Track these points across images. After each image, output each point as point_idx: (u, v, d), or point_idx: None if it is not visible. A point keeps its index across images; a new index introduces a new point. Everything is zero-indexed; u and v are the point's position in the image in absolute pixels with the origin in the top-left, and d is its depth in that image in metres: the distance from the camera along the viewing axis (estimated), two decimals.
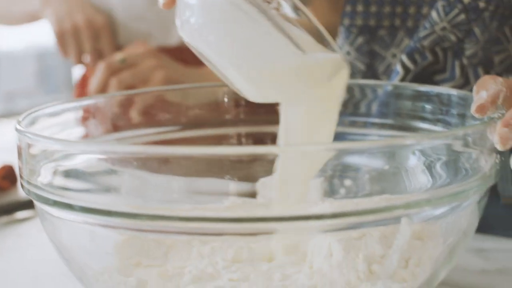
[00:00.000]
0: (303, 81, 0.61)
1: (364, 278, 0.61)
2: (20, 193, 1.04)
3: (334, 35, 1.00)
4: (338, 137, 0.70)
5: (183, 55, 1.31)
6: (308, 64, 0.61)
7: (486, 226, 0.90)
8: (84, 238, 0.62)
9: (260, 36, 0.60)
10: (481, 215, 0.64)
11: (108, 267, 0.64)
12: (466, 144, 0.58)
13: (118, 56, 1.17)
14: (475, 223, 0.63)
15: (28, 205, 0.97)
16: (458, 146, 0.58)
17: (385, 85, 0.80)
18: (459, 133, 0.58)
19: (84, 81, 1.47)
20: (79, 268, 0.63)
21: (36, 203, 0.62)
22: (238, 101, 0.80)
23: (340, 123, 0.83)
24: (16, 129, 0.61)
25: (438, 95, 0.73)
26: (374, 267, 0.62)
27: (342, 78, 0.64)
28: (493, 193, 0.91)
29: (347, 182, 0.68)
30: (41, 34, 2.57)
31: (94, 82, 1.14)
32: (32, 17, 1.46)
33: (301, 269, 0.64)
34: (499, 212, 0.92)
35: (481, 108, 0.60)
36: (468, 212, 0.62)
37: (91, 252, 0.64)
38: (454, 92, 0.72)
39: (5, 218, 0.96)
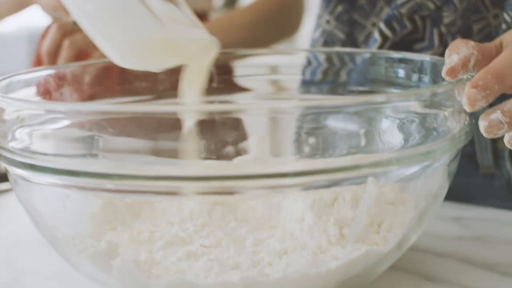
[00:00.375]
0: (167, 53, 0.63)
1: (335, 242, 0.61)
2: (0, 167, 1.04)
3: None
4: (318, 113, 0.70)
5: None
6: (171, 38, 0.63)
7: (465, 196, 0.91)
8: (58, 203, 0.62)
9: (122, 6, 0.61)
10: (451, 179, 0.64)
11: (80, 232, 0.64)
12: (434, 104, 0.58)
13: (71, 18, 1.16)
14: (445, 186, 0.64)
15: (5, 177, 0.97)
16: (426, 105, 0.58)
17: (363, 53, 0.80)
18: (426, 92, 0.58)
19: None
20: (50, 233, 0.63)
21: (8, 168, 0.62)
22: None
23: (319, 91, 0.84)
24: None
25: (411, 61, 0.73)
26: (345, 231, 0.62)
27: (208, 58, 0.66)
28: (473, 163, 0.92)
29: (317, 142, 0.68)
30: (33, 16, 2.55)
31: (46, 43, 1.13)
32: (22, 5, 1.45)
33: (273, 234, 0.64)
34: (478, 182, 0.93)
35: (452, 71, 0.60)
36: (439, 174, 0.62)
37: (63, 216, 0.64)
38: (427, 58, 0.72)
39: None
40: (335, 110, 0.56)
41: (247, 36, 1.10)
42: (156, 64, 0.65)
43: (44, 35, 1.48)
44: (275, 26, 1.18)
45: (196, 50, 0.64)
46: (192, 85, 0.65)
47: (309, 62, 0.86)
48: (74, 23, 1.13)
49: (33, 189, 0.61)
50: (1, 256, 0.76)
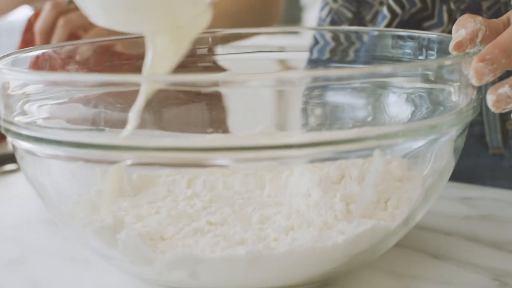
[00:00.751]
0: (159, 11, 0.58)
1: (341, 218, 0.61)
2: (7, 147, 1.05)
3: None
4: (324, 87, 0.70)
5: None
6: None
7: (474, 176, 0.91)
8: (63, 178, 0.62)
9: None
10: (458, 156, 0.64)
11: (85, 207, 0.64)
12: (441, 78, 0.58)
13: None
14: (452, 163, 0.63)
15: (14, 158, 0.98)
16: (433, 79, 0.57)
17: (370, 32, 0.80)
18: (433, 64, 0.57)
19: (30, 26, 1.46)
20: (56, 209, 0.63)
21: (15, 143, 0.62)
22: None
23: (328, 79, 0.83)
24: None
25: (418, 39, 0.73)
26: (351, 207, 0.62)
27: (202, 22, 0.61)
28: (482, 143, 0.91)
29: (323, 116, 0.68)
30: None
31: (40, 22, 1.13)
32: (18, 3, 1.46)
33: (279, 211, 0.64)
34: (487, 162, 0.92)
35: (459, 46, 0.60)
36: (445, 150, 0.61)
37: (69, 191, 0.64)
38: (434, 35, 0.71)
39: None
40: (341, 81, 0.56)
41: (231, 24, 1.10)
42: (143, 24, 0.59)
43: (27, 28, 1.49)
44: (257, 15, 1.20)
45: (190, 12, 0.59)
46: (167, 55, 0.59)
47: (316, 41, 0.86)
48: (69, 2, 1.13)
49: (40, 164, 0.61)
50: (8, 234, 0.76)
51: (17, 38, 1.59)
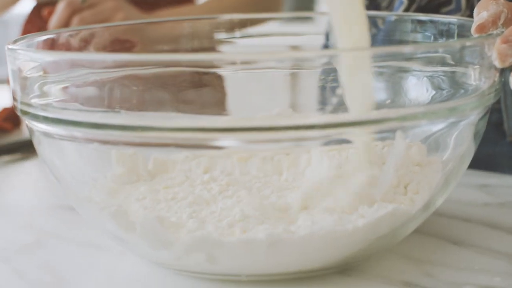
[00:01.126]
0: None
1: (360, 200, 0.60)
2: (23, 134, 1.05)
3: None
4: None
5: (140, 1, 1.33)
6: None
7: (492, 164, 0.90)
8: (80, 160, 0.62)
9: None
10: (478, 141, 0.63)
11: (102, 191, 0.64)
12: (463, 60, 0.57)
13: None
14: (472, 148, 0.62)
15: (29, 144, 0.98)
16: (454, 61, 0.56)
17: (388, 16, 0.79)
18: (455, 44, 0.56)
19: (31, 18, 1.47)
20: (72, 192, 0.63)
21: (32, 125, 0.61)
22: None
23: None
24: (9, 49, 0.60)
25: (438, 23, 0.72)
26: (372, 190, 0.61)
27: None
28: (500, 131, 0.90)
29: (342, 99, 0.67)
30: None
31: (54, 20, 1.14)
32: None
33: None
34: (505, 151, 0.92)
35: (481, 28, 0.59)
36: (466, 133, 0.60)
37: (86, 174, 0.63)
38: (454, 19, 0.70)
39: (6, 157, 0.97)
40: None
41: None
42: None
43: (28, 20, 1.49)
44: (260, 9, 1.21)
45: None
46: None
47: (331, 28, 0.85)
48: (83, 1, 1.13)
49: (57, 147, 0.60)
50: (24, 220, 0.76)
51: (15, 29, 1.60)
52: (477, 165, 0.85)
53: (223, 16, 0.79)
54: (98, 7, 1.17)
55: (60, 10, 1.14)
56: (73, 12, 1.14)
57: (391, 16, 0.78)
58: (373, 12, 0.83)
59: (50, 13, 1.20)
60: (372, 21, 0.79)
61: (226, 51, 0.76)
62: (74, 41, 0.71)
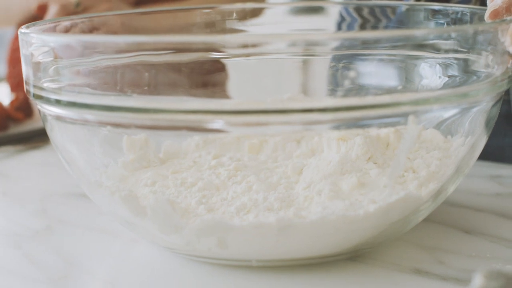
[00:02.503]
0: None
1: (370, 182, 0.60)
2: (34, 124, 1.05)
3: None
4: (352, 57, 0.69)
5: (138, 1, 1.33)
6: None
7: (503, 157, 0.89)
8: (92, 145, 0.62)
9: None
10: (490, 129, 0.62)
11: (113, 175, 0.64)
12: (475, 45, 0.56)
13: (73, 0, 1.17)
14: (483, 137, 0.62)
15: (40, 134, 0.99)
16: (467, 47, 0.56)
17: (399, 6, 0.79)
18: (469, 29, 0.56)
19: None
20: (84, 177, 0.63)
21: (45, 110, 0.61)
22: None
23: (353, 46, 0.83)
24: (21, 33, 0.60)
25: (450, 12, 0.71)
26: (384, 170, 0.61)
27: None
28: (509, 123, 0.90)
29: (352, 85, 0.67)
30: None
31: None
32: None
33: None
34: None
35: (495, 14, 0.59)
36: (478, 120, 0.60)
37: (97, 158, 0.64)
38: (466, 8, 0.70)
39: (19, 146, 0.97)
40: (372, 44, 0.55)
41: None
42: None
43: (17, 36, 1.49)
44: None
45: None
46: None
47: (342, 18, 0.85)
48: (77, 5, 1.13)
49: (69, 132, 0.61)
50: (35, 207, 0.76)
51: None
52: (487, 157, 0.85)
53: (235, 5, 0.79)
54: (92, 11, 1.17)
55: (52, 13, 1.14)
56: (66, 16, 1.14)
57: (402, 6, 0.78)
58: (383, 2, 0.82)
59: (42, 10, 1.20)
60: (382, 11, 0.79)
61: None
62: (88, 27, 0.71)
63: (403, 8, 0.78)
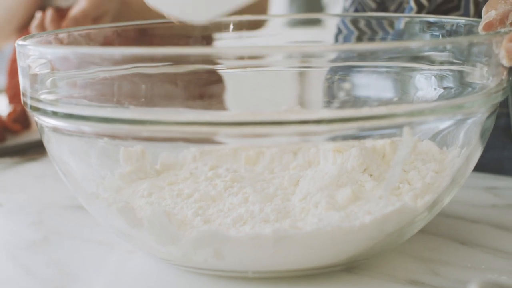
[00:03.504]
0: None
1: (365, 193, 0.60)
2: (31, 136, 1.05)
3: None
4: (348, 69, 0.69)
5: None
6: None
7: (500, 169, 0.90)
8: (89, 157, 0.62)
9: None
10: (485, 141, 0.63)
11: (110, 187, 0.64)
12: (470, 57, 0.57)
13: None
14: (478, 148, 0.62)
15: (38, 145, 0.99)
16: (462, 58, 0.57)
17: (399, 19, 0.79)
18: (463, 41, 0.57)
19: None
20: (81, 188, 0.63)
21: (42, 122, 0.61)
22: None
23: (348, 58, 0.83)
24: (19, 45, 0.61)
25: (446, 25, 0.72)
26: (380, 185, 0.61)
27: None
28: (507, 136, 0.90)
29: (348, 97, 0.68)
30: None
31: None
32: None
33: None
34: None
35: (489, 26, 0.59)
36: (473, 132, 0.60)
37: (94, 170, 0.64)
38: (462, 20, 0.71)
39: (16, 158, 0.98)
40: (367, 56, 0.55)
41: None
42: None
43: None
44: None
45: None
46: None
47: (339, 30, 0.86)
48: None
49: (66, 144, 0.61)
50: (32, 218, 0.76)
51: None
52: (485, 170, 0.85)
53: (232, 17, 0.79)
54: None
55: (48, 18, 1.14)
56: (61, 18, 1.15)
57: (400, 18, 0.78)
58: (380, 14, 0.83)
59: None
60: (379, 23, 0.79)
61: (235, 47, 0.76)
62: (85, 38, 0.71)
63: (401, 23, 0.78)
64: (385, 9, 0.91)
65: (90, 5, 1.06)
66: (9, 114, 1.08)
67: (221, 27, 0.80)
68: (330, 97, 0.71)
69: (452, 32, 0.71)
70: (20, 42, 0.61)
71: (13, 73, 1.50)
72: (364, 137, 0.58)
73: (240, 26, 0.79)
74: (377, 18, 0.79)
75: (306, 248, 0.57)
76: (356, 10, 0.94)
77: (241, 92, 0.72)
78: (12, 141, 1.03)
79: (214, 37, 0.80)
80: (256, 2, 1.26)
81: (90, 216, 0.70)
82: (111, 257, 0.66)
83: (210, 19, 0.60)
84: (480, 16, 0.80)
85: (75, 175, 0.63)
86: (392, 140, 0.63)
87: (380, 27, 0.80)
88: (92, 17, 1.06)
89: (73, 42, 0.70)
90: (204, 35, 0.80)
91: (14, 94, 1.47)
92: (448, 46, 0.56)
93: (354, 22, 0.82)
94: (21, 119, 1.07)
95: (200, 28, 0.80)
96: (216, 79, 0.67)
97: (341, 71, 0.66)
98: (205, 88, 0.65)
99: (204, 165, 0.70)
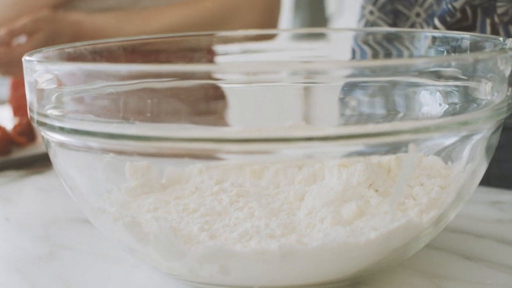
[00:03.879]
0: None
1: (371, 209, 0.60)
2: (37, 149, 1.06)
3: None
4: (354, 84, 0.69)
5: None
6: None
7: (505, 183, 0.90)
8: (95, 172, 0.62)
9: None
10: (490, 156, 0.63)
11: (116, 202, 0.64)
12: (475, 73, 0.57)
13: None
14: (484, 163, 0.62)
15: (43, 158, 1.00)
16: (467, 74, 0.57)
17: (403, 33, 0.79)
18: (468, 58, 0.57)
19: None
20: (87, 203, 0.63)
21: (48, 137, 0.62)
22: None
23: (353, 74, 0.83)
24: (26, 60, 0.61)
25: (451, 40, 0.72)
26: (385, 201, 0.61)
27: None
28: None
29: (353, 112, 0.68)
30: None
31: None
32: None
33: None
34: None
35: None
36: (478, 148, 0.60)
37: (100, 185, 0.64)
38: (467, 35, 0.71)
39: (21, 171, 0.98)
40: (373, 73, 0.55)
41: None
42: None
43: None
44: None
45: None
46: None
47: (354, 52, 0.86)
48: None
49: (72, 158, 0.61)
50: (37, 232, 0.76)
51: None
52: (491, 184, 0.85)
53: (237, 31, 0.80)
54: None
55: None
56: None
57: (407, 32, 0.78)
58: (387, 29, 0.83)
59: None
60: (388, 40, 0.79)
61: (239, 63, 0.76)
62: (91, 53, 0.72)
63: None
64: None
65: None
66: (15, 127, 1.08)
67: (226, 40, 0.80)
68: (335, 113, 0.72)
69: (458, 47, 0.71)
70: (27, 57, 0.61)
71: (16, 85, 1.51)
72: (369, 154, 0.58)
73: (246, 41, 0.80)
74: (382, 33, 0.79)
75: (312, 263, 0.57)
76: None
77: (246, 108, 0.72)
78: (18, 154, 1.03)
79: (219, 51, 0.80)
80: (269, 10, 1.27)
81: (96, 230, 0.70)
82: (117, 271, 0.66)
83: None
84: (493, 29, 0.80)
85: (81, 189, 0.63)
86: (397, 155, 0.63)
87: (391, 44, 0.80)
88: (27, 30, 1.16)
89: (79, 57, 0.71)
90: (209, 48, 0.81)
91: (18, 106, 1.47)
92: (454, 63, 0.56)
93: (365, 41, 0.83)
94: (26, 132, 1.07)
95: (205, 41, 0.80)
96: (221, 95, 0.67)
97: (345, 87, 0.66)
98: (210, 103, 0.65)
99: (210, 179, 0.70)
